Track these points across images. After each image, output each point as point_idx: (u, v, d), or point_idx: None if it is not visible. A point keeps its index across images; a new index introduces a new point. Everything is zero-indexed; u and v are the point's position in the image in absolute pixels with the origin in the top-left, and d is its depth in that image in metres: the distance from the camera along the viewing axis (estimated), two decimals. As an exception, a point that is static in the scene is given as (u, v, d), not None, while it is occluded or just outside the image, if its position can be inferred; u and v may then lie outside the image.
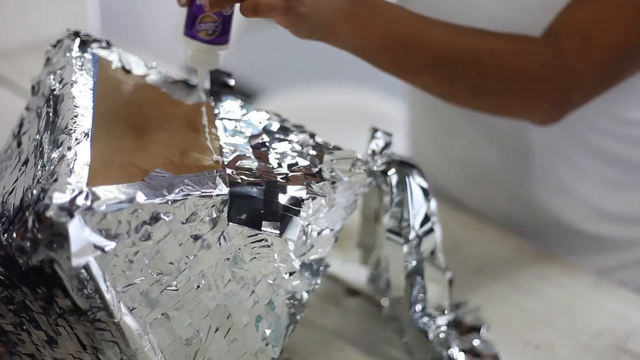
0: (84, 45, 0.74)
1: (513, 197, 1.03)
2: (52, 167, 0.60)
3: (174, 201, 0.61)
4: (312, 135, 0.74)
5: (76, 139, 0.63)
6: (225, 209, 0.64)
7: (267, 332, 0.71)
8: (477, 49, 0.78)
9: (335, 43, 0.74)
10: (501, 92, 0.80)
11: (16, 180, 0.66)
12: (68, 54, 0.73)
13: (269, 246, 0.67)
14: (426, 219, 0.75)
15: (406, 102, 1.18)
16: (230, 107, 0.75)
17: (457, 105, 0.84)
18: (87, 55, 0.73)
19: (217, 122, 0.73)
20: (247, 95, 1.08)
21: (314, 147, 0.72)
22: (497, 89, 0.79)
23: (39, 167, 0.63)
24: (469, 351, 0.80)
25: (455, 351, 0.79)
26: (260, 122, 0.74)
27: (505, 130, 0.97)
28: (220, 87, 0.77)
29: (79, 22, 1.37)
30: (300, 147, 0.72)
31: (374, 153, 0.74)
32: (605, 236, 1.01)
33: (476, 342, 0.81)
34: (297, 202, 0.67)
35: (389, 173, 0.74)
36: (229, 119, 0.73)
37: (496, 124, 0.94)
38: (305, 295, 0.72)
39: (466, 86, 0.79)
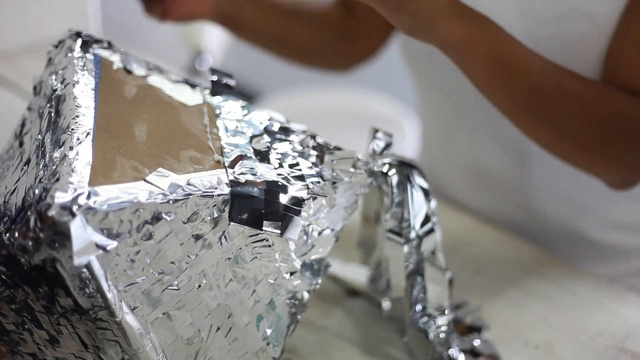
0: (86, 46, 0.75)
1: (522, 204, 1.03)
2: (54, 167, 0.61)
3: (176, 201, 0.61)
4: (313, 136, 0.74)
5: (78, 139, 0.63)
6: (227, 209, 0.64)
7: (268, 331, 0.71)
8: (568, 88, 0.78)
9: (436, 44, 0.75)
10: (583, 139, 0.80)
11: (18, 180, 0.66)
12: (70, 55, 0.73)
13: (270, 246, 0.68)
14: (426, 219, 0.76)
15: (417, 109, 1.18)
16: (231, 107, 0.76)
17: (540, 145, 0.83)
18: (89, 56, 0.74)
19: (219, 122, 0.73)
20: (248, 97, 1.08)
21: (314, 148, 0.73)
22: (580, 134, 0.79)
23: (40, 167, 0.63)
24: (469, 351, 0.81)
25: (455, 351, 0.79)
26: (262, 123, 0.74)
27: (512, 136, 0.97)
28: (221, 87, 0.78)
29: (80, 23, 1.37)
30: (301, 148, 0.72)
31: (374, 153, 0.75)
32: (615, 245, 1.01)
33: (476, 342, 0.82)
34: (298, 202, 0.67)
35: (390, 173, 0.74)
36: (230, 119, 0.74)
37: (503, 129, 0.93)
38: (306, 295, 0.72)
39: (552, 124, 0.79)
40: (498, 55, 0.75)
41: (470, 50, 0.74)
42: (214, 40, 1.65)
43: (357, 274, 0.90)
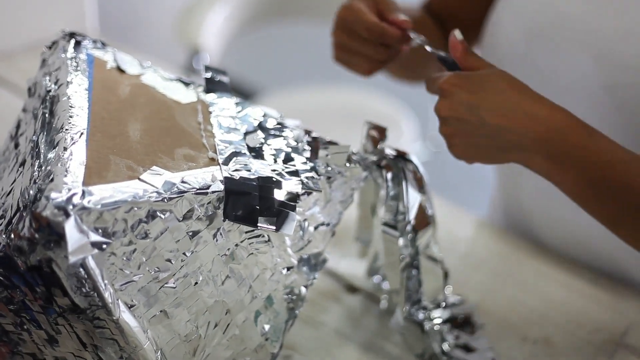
0: (79, 46, 0.75)
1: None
2: (48, 167, 0.61)
3: (170, 199, 0.62)
4: (307, 132, 0.74)
5: (72, 139, 0.63)
6: (221, 206, 0.64)
7: (266, 327, 0.71)
8: None
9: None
10: None
11: (14, 181, 0.66)
12: (63, 55, 0.73)
13: (266, 242, 0.68)
14: (421, 212, 0.75)
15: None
16: (225, 104, 0.76)
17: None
18: (82, 56, 0.74)
19: (212, 119, 0.73)
20: (245, 95, 1.08)
21: (309, 143, 0.73)
22: None
23: (35, 168, 0.63)
24: (463, 346, 0.81)
25: (450, 345, 0.79)
26: (256, 119, 0.74)
27: None
28: (215, 85, 0.78)
29: (77, 22, 1.37)
30: (295, 143, 0.72)
31: (369, 147, 0.75)
32: None
33: (471, 337, 0.82)
34: (293, 197, 0.67)
35: (384, 167, 0.74)
36: (224, 116, 0.74)
37: None
38: (303, 290, 0.72)
39: None
40: (589, 182, 0.69)
41: (552, 179, 0.70)
42: (211, 38, 1.66)
43: (355, 268, 0.91)
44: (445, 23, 1.01)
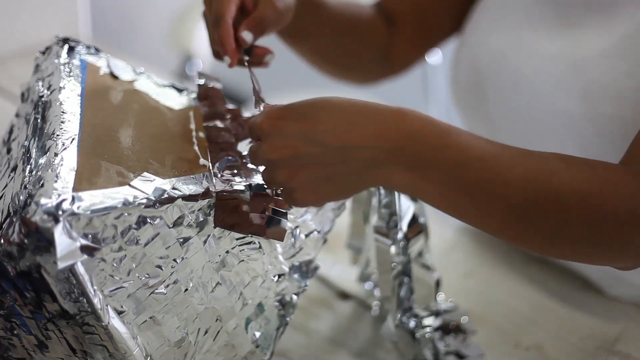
0: (72, 52, 0.75)
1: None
2: (38, 173, 0.61)
3: (160, 205, 0.61)
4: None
5: (63, 145, 0.63)
6: (212, 213, 0.64)
7: (257, 334, 0.71)
8: (563, 192, 0.63)
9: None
10: (582, 239, 0.65)
11: (5, 186, 0.66)
12: (56, 61, 0.73)
13: (257, 249, 0.68)
14: (414, 220, 0.76)
15: None
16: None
17: (529, 250, 0.71)
18: (75, 62, 0.74)
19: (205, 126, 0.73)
20: (237, 101, 1.08)
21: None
22: (577, 236, 0.65)
23: (26, 173, 0.63)
24: (455, 353, 0.81)
25: (441, 352, 0.79)
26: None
27: None
28: (208, 90, 0.78)
29: (71, 28, 1.37)
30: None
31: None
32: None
33: (462, 344, 0.82)
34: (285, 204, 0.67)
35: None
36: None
37: None
38: (294, 297, 0.72)
39: (540, 235, 0.65)
40: (457, 185, 0.61)
41: (418, 191, 0.62)
42: (204, 44, 1.66)
43: (347, 275, 0.91)
44: (400, 23, 0.99)
